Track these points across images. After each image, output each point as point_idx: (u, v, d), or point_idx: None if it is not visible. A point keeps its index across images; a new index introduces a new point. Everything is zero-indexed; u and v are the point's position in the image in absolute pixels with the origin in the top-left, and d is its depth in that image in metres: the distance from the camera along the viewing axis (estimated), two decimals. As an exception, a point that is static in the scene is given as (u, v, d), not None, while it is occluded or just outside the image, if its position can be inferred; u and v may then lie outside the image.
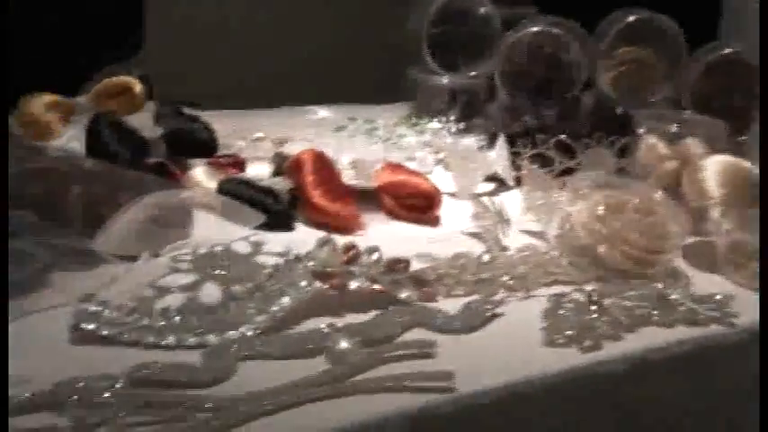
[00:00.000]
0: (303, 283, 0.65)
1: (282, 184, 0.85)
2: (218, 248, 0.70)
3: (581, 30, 1.08)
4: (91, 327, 0.59)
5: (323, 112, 1.17)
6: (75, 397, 0.52)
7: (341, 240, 0.70)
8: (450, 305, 0.66)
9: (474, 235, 0.80)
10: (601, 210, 0.72)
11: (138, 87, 0.96)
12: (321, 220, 0.81)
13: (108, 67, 1.10)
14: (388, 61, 1.34)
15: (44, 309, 0.62)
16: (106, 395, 0.52)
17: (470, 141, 1.02)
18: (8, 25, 1.34)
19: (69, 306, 0.61)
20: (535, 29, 1.07)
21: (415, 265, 0.70)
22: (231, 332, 0.61)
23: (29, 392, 0.51)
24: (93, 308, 0.60)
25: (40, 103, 0.93)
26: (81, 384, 0.52)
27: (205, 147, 0.93)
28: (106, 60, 1.61)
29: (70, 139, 0.92)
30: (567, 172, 0.90)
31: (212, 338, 0.60)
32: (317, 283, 0.65)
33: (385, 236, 0.78)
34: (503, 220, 0.79)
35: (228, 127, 1.00)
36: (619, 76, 1.06)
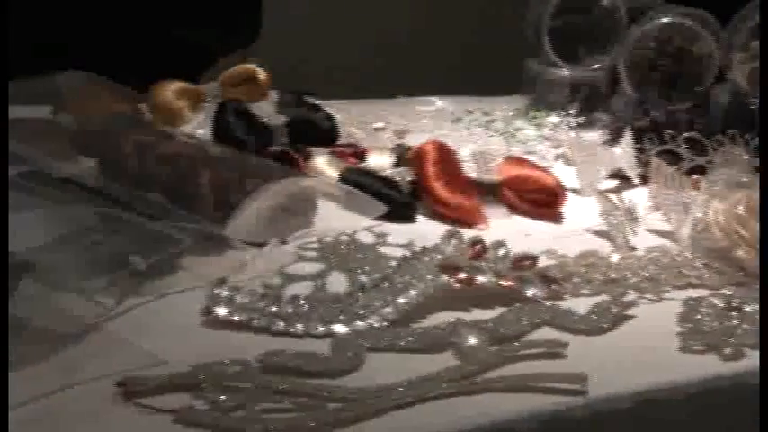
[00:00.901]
0: (430, 277, 0.64)
1: (404, 175, 0.85)
2: (344, 238, 0.70)
3: (713, 21, 1.03)
4: (223, 311, 0.60)
5: (440, 103, 1.16)
6: (211, 380, 0.53)
7: (467, 234, 0.69)
8: (578, 304, 0.65)
9: (600, 233, 0.78)
10: (741, 210, 0.69)
11: (262, 75, 0.97)
12: (442, 213, 0.81)
13: (227, 56, 1.12)
14: (506, 53, 1.32)
15: (179, 291, 0.64)
16: (240, 380, 0.53)
17: (593, 136, 0.99)
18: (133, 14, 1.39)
19: (203, 290, 0.62)
20: (665, 20, 1.04)
21: (542, 262, 0.68)
22: (359, 323, 0.61)
23: (166, 373, 0.53)
24: (225, 292, 0.61)
25: (170, 90, 0.95)
26: (216, 368, 0.54)
27: (327, 136, 0.93)
28: (222, 48, 1.64)
29: (198, 125, 0.94)
30: (697, 170, 0.87)
31: (340, 328, 0.61)
32: (444, 277, 0.64)
33: (507, 231, 0.77)
34: (632, 218, 0.76)
35: (346, 116, 1.01)
36: (755, 70, 1.01)
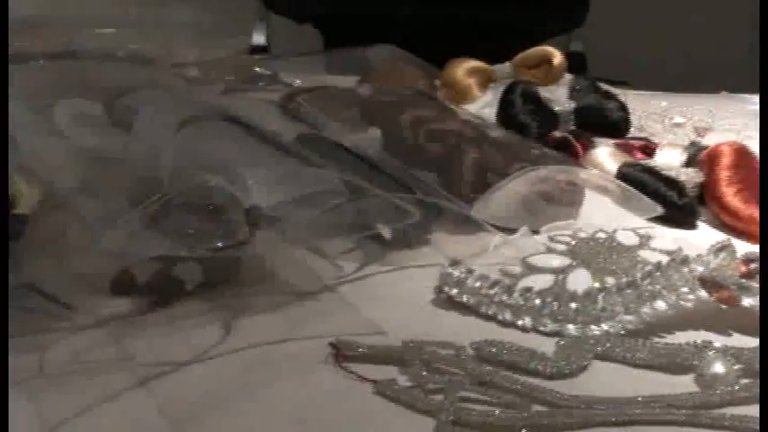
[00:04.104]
0: (685, 289, 0.57)
1: (691, 177, 0.77)
2: (601, 235, 0.65)
3: None
4: (453, 292, 0.59)
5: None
6: (421, 359, 0.52)
7: (741, 249, 0.60)
8: None
9: None
10: None
11: (557, 59, 0.93)
12: (729, 223, 0.72)
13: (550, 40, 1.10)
14: None
15: (419, 265, 0.64)
16: (450, 364, 0.51)
17: None
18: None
19: (438, 268, 0.61)
20: None
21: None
22: (593, 326, 0.56)
23: (381, 344, 0.53)
24: (458, 274, 0.59)
25: (462, 68, 0.96)
26: (429, 347, 0.52)
27: (615, 127, 0.87)
28: (546, 31, 1.62)
29: (485, 104, 0.93)
30: None
31: (571, 329, 0.56)
32: (702, 292, 0.57)
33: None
34: None
35: (647, 108, 0.93)
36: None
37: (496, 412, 0.47)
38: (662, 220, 0.72)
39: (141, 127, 0.61)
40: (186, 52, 0.99)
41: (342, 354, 0.52)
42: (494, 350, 0.53)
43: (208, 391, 0.48)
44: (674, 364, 0.52)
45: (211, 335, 0.53)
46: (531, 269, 0.61)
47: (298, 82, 1.04)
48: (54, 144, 0.61)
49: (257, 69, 1.06)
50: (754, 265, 0.59)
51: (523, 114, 0.86)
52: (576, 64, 1.19)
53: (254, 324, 0.55)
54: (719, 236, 0.68)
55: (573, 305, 0.57)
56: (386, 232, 0.64)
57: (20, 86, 0.68)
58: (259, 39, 1.65)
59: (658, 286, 0.57)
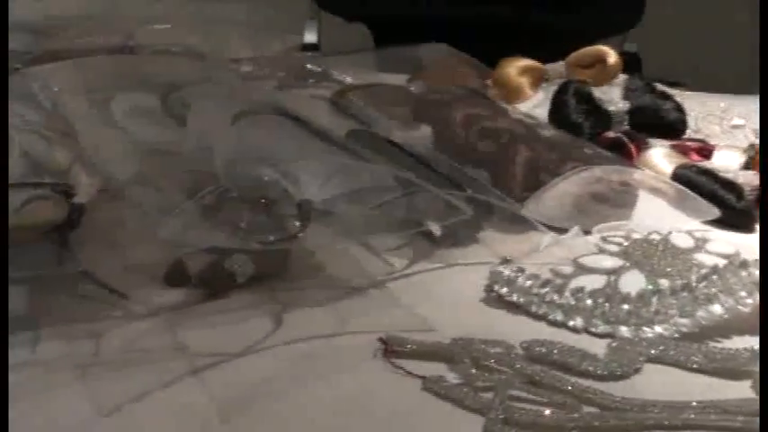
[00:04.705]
0: (743, 293, 0.56)
1: (750, 179, 0.75)
2: (655, 237, 0.64)
3: None
4: (503, 290, 0.58)
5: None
6: (470, 356, 0.51)
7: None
8: None
9: None
10: None
11: (612, 59, 0.92)
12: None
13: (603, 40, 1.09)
14: None
15: (469, 263, 0.63)
16: (500, 362, 0.51)
17: None
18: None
19: (489, 266, 0.61)
20: None
21: None
22: (645, 328, 0.55)
23: (430, 340, 0.53)
24: (508, 272, 0.59)
25: (515, 67, 0.95)
26: (478, 345, 0.52)
27: (671, 128, 0.86)
28: (600, 32, 1.59)
29: (537, 104, 0.92)
30: None
31: (624, 330, 0.55)
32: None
33: None
34: None
35: (704, 109, 0.92)
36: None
37: (546, 412, 0.47)
38: (718, 223, 0.70)
39: (196, 120, 0.62)
40: (239, 49, 1.00)
41: (390, 349, 0.52)
42: (544, 350, 0.52)
43: (258, 382, 0.48)
44: (729, 369, 0.51)
45: (262, 327, 0.54)
46: (583, 269, 0.61)
47: (349, 79, 1.05)
48: (111, 136, 0.62)
49: (309, 66, 1.07)
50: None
51: (576, 114, 0.85)
52: (630, 64, 1.17)
53: (303, 317, 0.55)
54: (777, 240, 0.66)
55: (625, 307, 0.57)
56: (435, 229, 0.63)
57: (79, 81, 0.69)
58: (310, 36, 1.65)
59: (714, 289, 0.56)
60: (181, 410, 0.46)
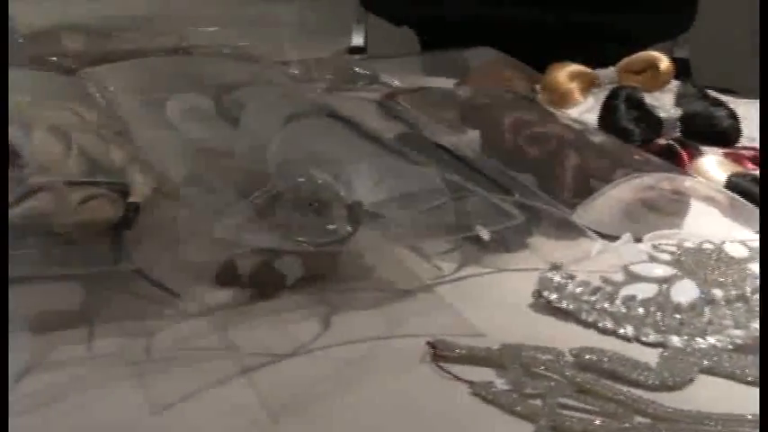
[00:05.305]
0: (799, 305, 0.55)
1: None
2: (708, 246, 0.63)
3: None
4: (553, 297, 0.58)
5: None
6: (519, 362, 0.51)
7: None
8: None
9: None
10: None
11: (664, 64, 0.91)
12: None
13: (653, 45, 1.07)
14: None
15: (515, 269, 0.63)
16: (549, 369, 0.51)
17: None
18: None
19: (538, 272, 0.60)
20: None
21: None
22: (699, 339, 0.54)
23: (479, 346, 0.52)
24: (558, 278, 0.58)
25: (565, 71, 0.94)
26: (528, 352, 0.52)
27: (724, 135, 0.84)
28: (650, 36, 1.57)
29: (586, 109, 0.92)
30: None
31: (675, 340, 0.55)
32: (817, 309, 0.54)
33: None
34: None
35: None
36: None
37: (597, 422, 0.46)
38: (773, 232, 0.69)
39: (249, 121, 0.62)
40: (288, 51, 1.01)
41: (439, 353, 0.52)
42: (594, 358, 0.52)
43: (307, 384, 0.49)
44: (784, 381, 0.50)
45: (310, 329, 0.54)
46: (634, 278, 0.60)
47: (396, 83, 1.05)
48: (166, 136, 0.63)
49: (357, 69, 1.07)
50: None
51: (627, 120, 0.84)
52: (680, 70, 1.16)
53: (352, 320, 0.55)
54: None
55: (677, 316, 0.56)
56: (484, 234, 0.63)
57: (134, 81, 0.70)
58: (357, 39, 1.66)
59: (770, 301, 0.55)
60: (231, 410, 0.47)
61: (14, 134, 0.55)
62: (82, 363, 0.49)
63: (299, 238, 0.53)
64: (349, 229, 0.54)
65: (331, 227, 0.54)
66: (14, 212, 0.50)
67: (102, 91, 0.68)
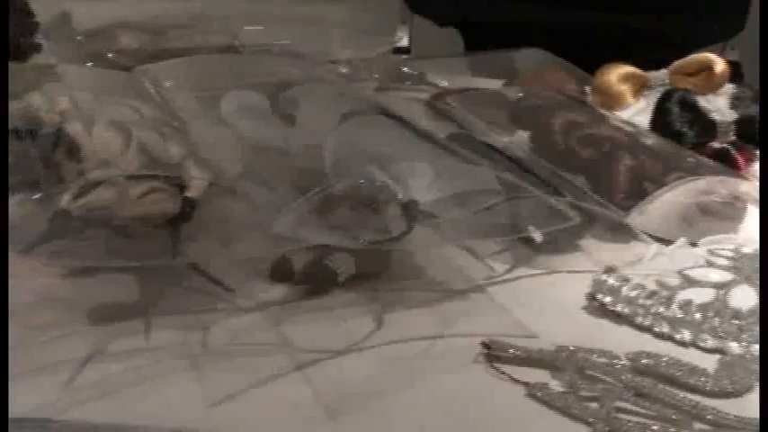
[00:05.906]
0: None
1: None
2: (766, 251, 0.62)
3: None
4: (607, 300, 0.57)
5: None
6: (575, 365, 0.51)
7: None
8: None
9: None
10: None
11: (720, 67, 0.89)
12: None
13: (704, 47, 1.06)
14: None
15: (569, 271, 0.62)
16: (605, 372, 0.50)
17: None
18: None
19: (592, 274, 0.60)
20: None
21: None
22: (756, 345, 0.54)
23: (533, 347, 0.52)
24: (612, 281, 0.58)
25: (616, 73, 0.93)
26: (583, 354, 0.51)
27: (781, 139, 0.83)
28: (701, 38, 1.55)
29: (638, 111, 0.91)
30: None
31: (734, 347, 0.54)
32: None
33: None
34: None
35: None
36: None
37: (655, 427, 0.46)
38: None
39: (304, 119, 0.62)
40: (336, 51, 1.01)
41: (493, 354, 0.52)
42: (651, 362, 0.51)
43: (362, 382, 0.49)
44: None
45: (363, 326, 0.54)
46: (690, 282, 0.59)
47: (444, 83, 1.05)
48: (221, 133, 0.63)
49: (405, 69, 1.07)
50: None
51: (680, 122, 0.83)
52: (732, 73, 1.14)
53: (404, 319, 0.55)
54: None
55: (736, 322, 0.55)
56: (537, 235, 0.63)
57: (189, 78, 0.71)
58: (402, 40, 1.66)
59: (831, 308, 0.54)
60: (286, 405, 0.47)
61: (75, 129, 0.56)
62: (140, 354, 0.50)
63: (354, 236, 0.53)
64: (404, 228, 0.54)
65: (386, 225, 0.54)
66: (76, 205, 0.51)
67: (158, 88, 0.69)
